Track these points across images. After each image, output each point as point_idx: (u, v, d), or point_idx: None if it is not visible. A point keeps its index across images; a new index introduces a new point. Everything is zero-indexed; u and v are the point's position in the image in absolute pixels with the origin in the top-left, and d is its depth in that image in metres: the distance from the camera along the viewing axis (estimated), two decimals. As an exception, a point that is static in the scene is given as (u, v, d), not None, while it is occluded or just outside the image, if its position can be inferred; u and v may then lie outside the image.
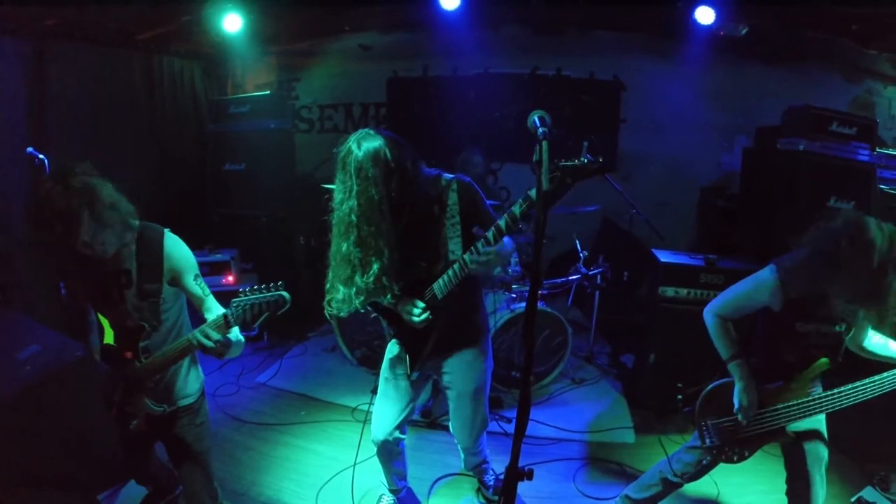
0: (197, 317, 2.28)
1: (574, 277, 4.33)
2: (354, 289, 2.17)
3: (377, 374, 2.70)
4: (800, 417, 2.30)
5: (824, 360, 2.26)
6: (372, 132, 2.10)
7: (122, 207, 2.09)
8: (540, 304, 4.15)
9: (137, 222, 2.18)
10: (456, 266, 2.20)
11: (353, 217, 2.07)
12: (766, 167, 4.58)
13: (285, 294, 2.02)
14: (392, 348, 2.61)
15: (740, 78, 5.34)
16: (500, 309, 4.07)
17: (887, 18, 4.37)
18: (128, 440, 2.18)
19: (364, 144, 2.04)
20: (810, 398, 2.27)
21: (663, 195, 5.47)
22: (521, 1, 4.98)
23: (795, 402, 2.29)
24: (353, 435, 3.66)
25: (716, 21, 4.52)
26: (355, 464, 3.10)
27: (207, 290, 2.28)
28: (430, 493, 3.20)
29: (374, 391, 4.04)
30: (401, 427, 2.64)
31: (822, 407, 2.27)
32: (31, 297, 3.74)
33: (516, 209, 1.99)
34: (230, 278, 4.66)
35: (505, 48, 5.64)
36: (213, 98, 5.54)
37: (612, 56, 5.55)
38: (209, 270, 4.61)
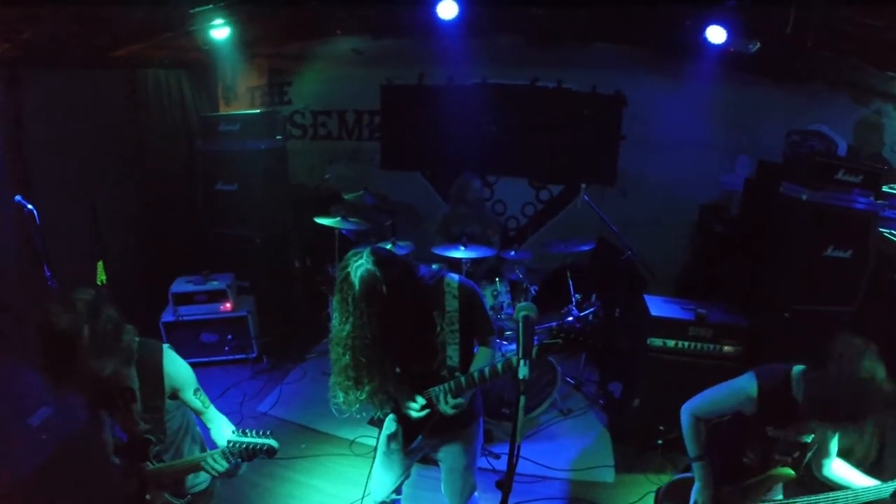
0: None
1: (567, 320, 4.50)
2: (352, 397, 2.39)
3: None
4: None
5: (789, 470, 2.44)
6: (371, 258, 2.18)
7: (122, 331, 2.19)
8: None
9: (137, 340, 2.30)
10: (452, 384, 2.43)
11: (349, 341, 2.24)
12: (766, 207, 4.65)
13: (274, 444, 2.26)
14: (389, 425, 2.84)
15: (744, 96, 5.28)
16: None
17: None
18: None
19: (360, 274, 2.14)
20: (766, 502, 2.49)
21: (662, 213, 5.57)
22: (521, 10, 4.84)
23: None
24: (351, 470, 3.98)
25: (728, 37, 4.45)
26: (363, 498, 3.28)
27: (208, 402, 2.46)
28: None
29: (372, 423, 4.34)
30: (397, 490, 2.94)
31: None
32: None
33: (499, 366, 2.29)
34: (227, 305, 4.83)
35: (503, 58, 5.54)
36: (204, 110, 5.46)
37: (613, 70, 5.47)
38: (206, 298, 4.80)
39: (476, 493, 3.19)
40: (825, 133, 5.36)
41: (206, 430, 2.48)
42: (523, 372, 1.86)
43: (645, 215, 5.51)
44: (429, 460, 4.02)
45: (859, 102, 5.28)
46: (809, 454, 2.48)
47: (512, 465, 1.87)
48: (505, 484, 1.89)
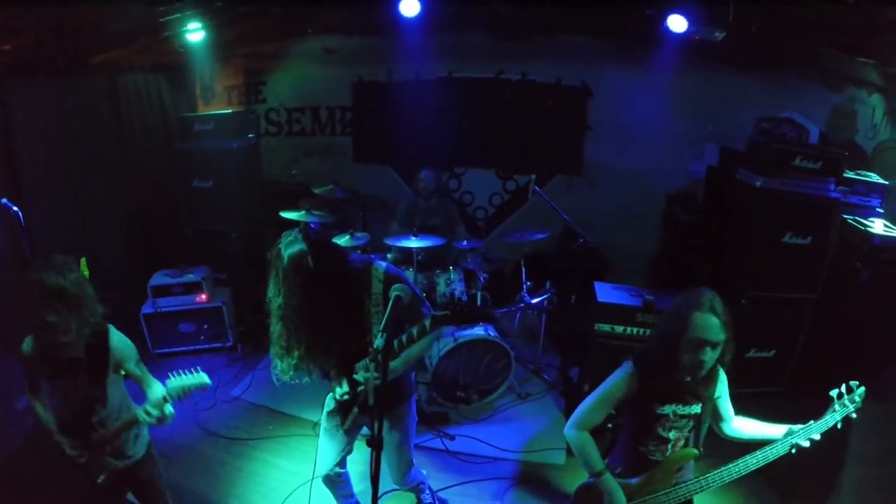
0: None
1: (518, 307, 4.81)
2: (286, 364, 2.74)
3: None
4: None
5: (692, 450, 2.60)
6: (300, 237, 2.51)
7: (95, 307, 2.64)
8: (486, 329, 4.70)
9: (99, 317, 2.70)
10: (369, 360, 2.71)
11: (280, 311, 2.61)
12: (725, 195, 4.83)
13: (206, 379, 2.67)
14: (329, 402, 3.17)
15: (713, 85, 5.47)
16: (445, 336, 4.62)
17: (878, 25, 4.41)
18: (103, 494, 2.86)
19: (290, 251, 2.48)
20: (677, 485, 2.60)
21: (629, 203, 5.80)
22: (484, 5, 5.13)
23: (663, 491, 2.62)
24: (312, 449, 4.18)
25: (689, 26, 4.61)
26: (312, 479, 3.56)
27: (145, 370, 2.86)
28: (377, 507, 3.91)
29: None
30: (340, 464, 3.28)
31: (689, 492, 2.60)
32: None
33: (414, 331, 2.54)
34: (203, 297, 5.27)
35: (469, 52, 5.85)
36: (182, 111, 5.91)
37: (579, 61, 5.70)
38: (183, 291, 5.24)
39: (424, 471, 3.59)
40: (796, 120, 5.50)
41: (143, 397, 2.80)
42: (378, 342, 2.20)
43: (614, 204, 5.75)
44: (382, 442, 4.44)
45: (832, 89, 5.40)
46: (705, 426, 2.61)
47: (380, 424, 2.23)
48: (376, 441, 2.25)
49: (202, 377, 2.67)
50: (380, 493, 3.87)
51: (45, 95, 4.71)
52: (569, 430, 2.70)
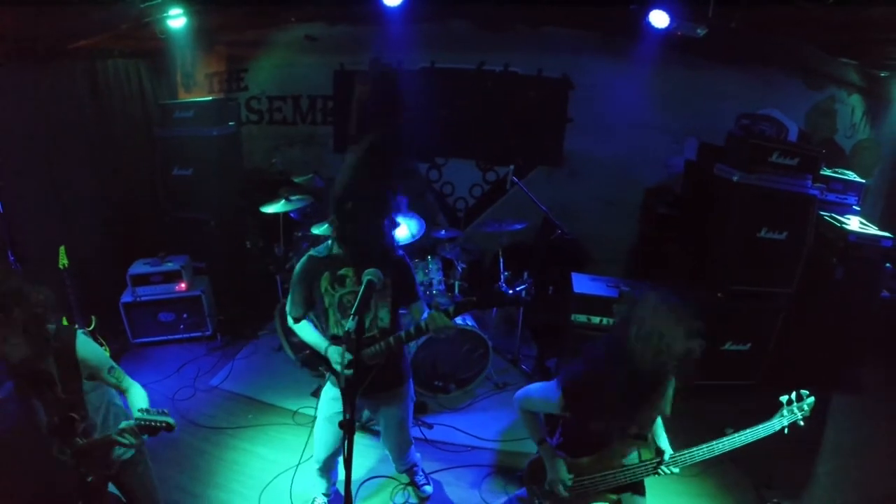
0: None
1: (496, 297, 4.93)
2: None
3: (318, 376, 3.43)
4: (615, 484, 2.75)
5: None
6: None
7: (44, 317, 2.53)
8: (464, 319, 4.80)
9: (53, 327, 2.64)
10: (382, 344, 2.84)
11: None
12: (702, 189, 4.95)
13: (171, 422, 2.60)
14: (328, 389, 3.28)
15: (695, 79, 5.60)
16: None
17: (862, 28, 4.53)
18: (86, 489, 2.88)
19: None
20: (624, 468, 2.70)
21: (610, 194, 5.92)
22: (469, -2, 5.22)
23: (610, 472, 2.72)
24: (292, 438, 4.44)
25: (671, 22, 4.72)
26: (298, 465, 3.77)
27: (123, 376, 2.81)
28: (356, 494, 3.94)
29: (315, 394, 4.84)
30: (338, 451, 3.39)
31: (635, 475, 2.71)
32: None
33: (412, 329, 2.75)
34: (182, 285, 5.33)
35: (451, 42, 5.92)
36: (162, 98, 5.94)
37: (561, 53, 5.79)
38: (162, 279, 5.29)
39: (418, 454, 3.84)
40: (776, 117, 5.64)
41: (125, 400, 2.82)
42: (350, 325, 2.31)
43: (594, 196, 5.88)
44: (365, 429, 4.57)
45: (813, 88, 5.55)
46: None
47: (353, 407, 2.35)
48: (348, 424, 2.37)
49: (168, 419, 2.58)
50: (361, 480, 4.08)
51: (23, 82, 4.71)
52: (516, 403, 2.88)
